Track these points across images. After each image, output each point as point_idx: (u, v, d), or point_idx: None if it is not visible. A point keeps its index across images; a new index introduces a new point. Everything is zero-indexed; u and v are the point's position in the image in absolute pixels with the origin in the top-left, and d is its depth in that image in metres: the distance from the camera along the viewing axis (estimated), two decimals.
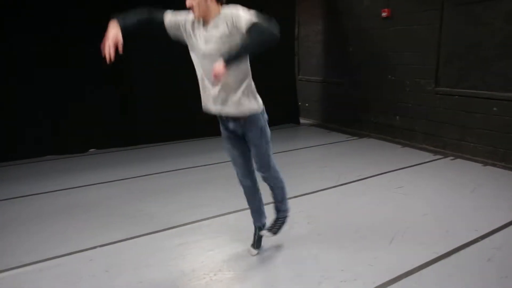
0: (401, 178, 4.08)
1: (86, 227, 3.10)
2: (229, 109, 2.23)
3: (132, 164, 4.77)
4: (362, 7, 5.89)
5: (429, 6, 4.93)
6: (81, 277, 2.40)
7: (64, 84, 4.96)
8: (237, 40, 2.04)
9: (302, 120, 7.12)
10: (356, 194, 3.69)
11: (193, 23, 2.20)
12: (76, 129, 5.14)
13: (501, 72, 4.29)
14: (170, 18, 2.26)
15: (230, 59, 1.94)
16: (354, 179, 4.04)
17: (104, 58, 2.03)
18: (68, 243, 2.82)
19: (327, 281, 2.31)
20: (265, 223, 2.69)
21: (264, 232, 2.62)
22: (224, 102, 2.21)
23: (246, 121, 2.27)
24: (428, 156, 4.85)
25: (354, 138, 5.93)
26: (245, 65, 2.22)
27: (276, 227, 2.64)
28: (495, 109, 4.40)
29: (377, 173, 4.21)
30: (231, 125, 2.33)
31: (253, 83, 2.29)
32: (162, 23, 2.27)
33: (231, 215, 3.22)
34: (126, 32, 2.12)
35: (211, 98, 2.24)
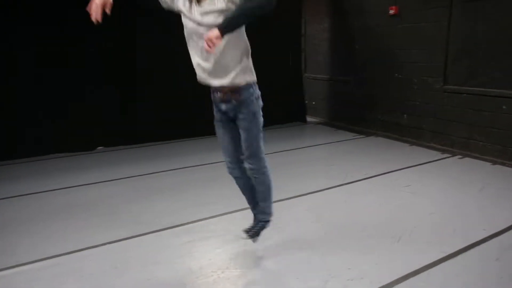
0: (408, 176, 4.06)
1: (90, 225, 3.10)
2: (223, 82, 2.19)
3: (137, 162, 4.78)
4: (369, 4, 5.86)
5: (437, 4, 4.89)
6: (91, 274, 2.43)
7: (64, 84, 4.96)
8: None
9: (308, 118, 7.10)
10: (363, 193, 3.68)
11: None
12: (76, 129, 5.14)
13: (511, 69, 4.24)
14: None
15: (225, 27, 1.92)
16: (361, 178, 4.03)
17: (93, 20, 1.98)
18: (69, 242, 2.82)
19: (334, 279, 2.31)
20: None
21: (241, 234, 2.56)
22: (218, 77, 2.19)
23: (239, 100, 2.23)
24: (436, 154, 4.82)
25: (361, 136, 5.91)
26: (243, 41, 2.19)
27: (254, 231, 2.55)
28: (504, 107, 4.36)
29: (384, 172, 4.19)
30: (223, 107, 2.31)
31: (251, 62, 2.25)
32: None
33: (237, 213, 3.22)
34: None
35: (206, 73, 2.22)
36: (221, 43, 2.02)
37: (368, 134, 5.95)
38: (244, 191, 2.60)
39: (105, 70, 5.18)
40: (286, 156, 5.01)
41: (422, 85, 5.23)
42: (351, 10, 6.27)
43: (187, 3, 2.14)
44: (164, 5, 2.29)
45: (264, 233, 2.61)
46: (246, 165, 2.40)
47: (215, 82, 2.23)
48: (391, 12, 5.44)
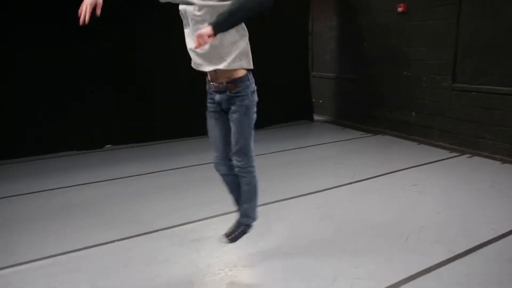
0: (416, 175, 4.04)
1: (89, 225, 3.09)
2: (219, 67, 2.13)
3: (137, 161, 4.77)
4: (377, 2, 5.82)
5: (446, 1, 4.84)
6: (100, 271, 2.45)
7: (64, 84, 4.96)
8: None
9: (315, 117, 7.08)
10: (371, 191, 3.66)
11: None
12: (76, 128, 5.14)
13: None
14: None
15: (220, 25, 1.89)
16: (369, 176, 4.01)
17: (80, 19, 1.94)
18: (70, 241, 2.82)
19: (341, 278, 2.31)
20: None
21: (221, 238, 2.47)
22: (213, 62, 2.13)
23: (233, 91, 2.17)
24: (444, 153, 4.78)
25: (369, 135, 5.88)
26: (240, 24, 2.11)
27: (235, 234, 2.46)
28: None
29: (392, 171, 4.17)
30: (217, 97, 2.25)
31: (249, 46, 2.18)
32: None
33: None
34: None
35: (200, 58, 2.17)
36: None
37: (375, 133, 5.92)
38: (231, 190, 2.51)
39: (105, 70, 5.18)
40: (294, 154, 5.00)
41: (431, 83, 5.19)
42: (358, 8, 6.23)
43: None
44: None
45: (273, 230, 2.60)
46: (234, 162, 2.33)
47: (210, 68, 2.16)
48: (399, 9, 5.40)
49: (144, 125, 5.56)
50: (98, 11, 1.98)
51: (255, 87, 2.26)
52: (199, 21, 2.04)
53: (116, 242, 2.80)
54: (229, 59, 2.11)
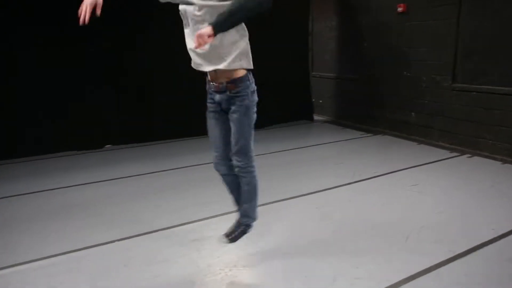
0: (416, 175, 4.04)
1: (89, 225, 3.09)
2: (218, 67, 2.12)
3: (137, 161, 4.77)
4: (377, 2, 5.82)
5: (446, 1, 4.84)
6: (100, 271, 2.45)
7: (64, 84, 4.96)
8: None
9: (315, 117, 7.08)
10: (370, 191, 3.66)
11: None
12: (76, 128, 5.14)
13: None
14: None
15: (220, 25, 1.89)
16: (369, 176, 4.01)
17: (80, 20, 1.94)
18: (70, 241, 2.82)
19: (341, 278, 2.31)
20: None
21: (221, 238, 2.47)
22: (213, 62, 2.13)
23: (233, 91, 2.17)
24: (444, 153, 4.78)
25: (369, 135, 5.88)
26: (240, 26, 2.11)
27: (235, 234, 2.46)
28: None
29: (392, 171, 4.17)
30: (217, 97, 2.25)
31: (249, 46, 2.17)
32: None
33: None
34: None
35: (200, 57, 2.16)
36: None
37: (375, 133, 5.92)
38: (231, 190, 2.50)
39: (105, 70, 5.18)
40: (293, 154, 5.00)
41: (431, 83, 5.19)
42: (358, 8, 6.23)
43: None
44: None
45: (273, 230, 2.60)
46: (234, 162, 2.32)
47: (210, 68, 2.15)
48: (399, 9, 5.40)
49: (144, 125, 5.55)
50: (98, 11, 1.97)
51: (255, 87, 2.26)
52: (199, 21, 2.04)
53: (116, 242, 2.80)
54: (229, 59, 2.10)
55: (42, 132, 4.98)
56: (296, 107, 6.74)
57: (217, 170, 2.44)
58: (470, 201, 3.39)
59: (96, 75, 5.13)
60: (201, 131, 5.67)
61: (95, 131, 5.28)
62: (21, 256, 2.62)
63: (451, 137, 5.03)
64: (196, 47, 1.97)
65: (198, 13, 2.02)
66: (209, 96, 2.32)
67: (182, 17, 2.17)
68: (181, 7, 2.13)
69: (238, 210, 2.53)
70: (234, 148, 2.28)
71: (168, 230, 2.98)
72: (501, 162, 4.36)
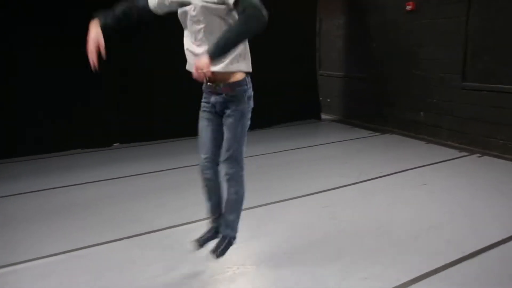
0: (425, 175, 4.00)
1: (89, 224, 3.08)
2: (215, 69, 2.03)
3: (137, 161, 4.76)
4: (386, 0, 5.77)
5: None
6: (100, 271, 2.45)
7: (64, 84, 4.96)
8: (221, 10, 1.95)
9: (323, 116, 7.06)
10: (378, 191, 3.64)
11: None
12: (76, 128, 5.14)
13: None
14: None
15: (217, 54, 1.86)
16: (376, 176, 3.99)
17: (91, 64, 2.02)
18: (70, 240, 2.81)
19: (350, 277, 2.30)
20: (221, 224, 2.39)
21: (210, 253, 2.35)
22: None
23: (230, 95, 2.11)
24: (453, 153, 4.74)
25: (377, 134, 5.84)
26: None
27: (221, 249, 2.33)
28: None
29: (399, 170, 4.14)
30: (212, 98, 2.17)
31: (247, 49, 2.12)
32: (146, 5, 2.20)
33: (248, 211, 3.19)
34: (109, 28, 2.12)
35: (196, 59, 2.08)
36: (217, 25, 1.94)
37: (383, 132, 5.88)
38: (210, 197, 2.36)
39: (105, 70, 5.19)
40: (300, 153, 4.99)
41: (440, 82, 5.14)
42: (367, 6, 6.20)
43: None
44: (159, 11, 2.22)
45: (280, 229, 2.59)
46: (223, 169, 2.23)
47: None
48: (408, 8, 5.36)
49: (144, 125, 5.55)
50: (103, 52, 2.05)
51: (252, 93, 2.18)
52: (195, 22, 2.03)
53: (116, 242, 2.80)
54: (226, 61, 2.03)
55: (42, 132, 4.98)
56: (304, 106, 6.72)
57: (204, 173, 2.32)
58: (479, 201, 3.35)
59: (96, 75, 5.13)
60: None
61: (95, 131, 5.28)
62: (21, 255, 2.62)
63: (461, 136, 4.98)
64: (196, 79, 1.92)
65: (193, 13, 2.01)
66: (204, 95, 2.26)
67: (181, 21, 2.14)
68: (179, 10, 2.10)
69: (213, 220, 2.42)
70: (225, 154, 2.19)
71: (167, 230, 2.97)
72: (511, 162, 4.31)
